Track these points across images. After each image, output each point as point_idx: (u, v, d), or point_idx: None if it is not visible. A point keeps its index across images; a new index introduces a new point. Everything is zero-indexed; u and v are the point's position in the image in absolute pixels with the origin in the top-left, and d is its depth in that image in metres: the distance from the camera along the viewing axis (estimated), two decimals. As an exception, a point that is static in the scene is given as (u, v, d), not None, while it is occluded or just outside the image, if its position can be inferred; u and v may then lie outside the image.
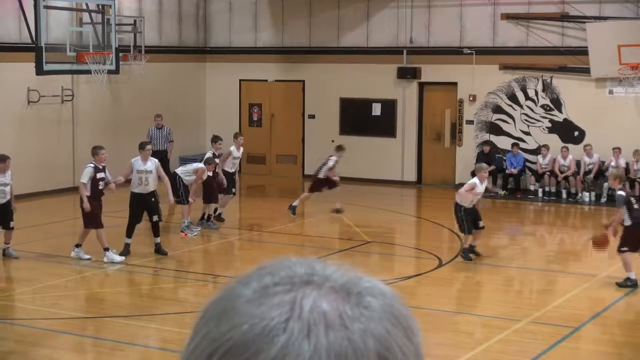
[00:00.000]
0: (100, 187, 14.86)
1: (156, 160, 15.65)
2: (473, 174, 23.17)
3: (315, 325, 0.93)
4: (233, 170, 18.91)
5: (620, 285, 13.50)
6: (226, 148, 18.81)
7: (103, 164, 14.91)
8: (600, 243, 13.86)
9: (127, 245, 15.22)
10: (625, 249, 13.43)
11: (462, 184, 23.85)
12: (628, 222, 13.51)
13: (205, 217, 18.06)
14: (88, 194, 14.61)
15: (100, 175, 14.81)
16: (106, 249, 14.80)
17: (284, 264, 1.01)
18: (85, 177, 14.74)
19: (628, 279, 13.51)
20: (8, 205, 14.90)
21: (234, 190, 18.98)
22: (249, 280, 1.00)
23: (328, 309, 0.94)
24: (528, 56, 23.05)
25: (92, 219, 14.72)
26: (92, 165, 14.83)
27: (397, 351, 0.95)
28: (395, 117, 24.73)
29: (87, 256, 14.88)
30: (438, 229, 18.70)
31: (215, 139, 18.61)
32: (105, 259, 14.79)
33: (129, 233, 15.25)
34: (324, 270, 1.00)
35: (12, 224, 14.92)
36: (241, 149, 18.95)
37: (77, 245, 14.97)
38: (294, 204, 19.01)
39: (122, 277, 14.37)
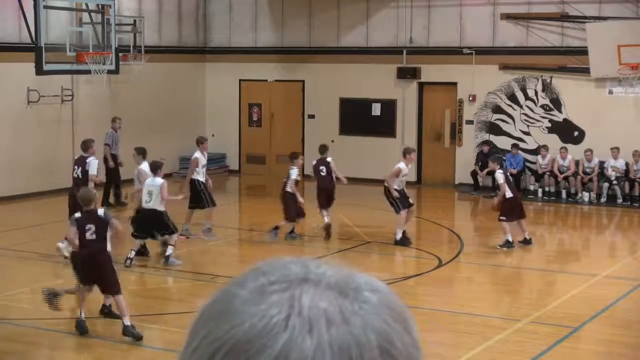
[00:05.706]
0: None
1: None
2: (473, 174, 23.29)
3: (316, 321, 0.93)
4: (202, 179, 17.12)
5: None
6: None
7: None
8: None
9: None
10: None
11: (461, 184, 24.02)
12: None
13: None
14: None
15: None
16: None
17: (278, 263, 1.02)
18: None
19: None
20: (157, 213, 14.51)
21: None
22: (244, 280, 1.00)
23: (327, 305, 0.95)
24: (528, 56, 23.05)
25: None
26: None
27: (397, 343, 0.96)
28: (395, 117, 24.73)
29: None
30: (438, 229, 18.71)
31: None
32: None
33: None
34: (318, 268, 1.01)
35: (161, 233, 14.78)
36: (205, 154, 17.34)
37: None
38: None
39: (121, 277, 14.34)
